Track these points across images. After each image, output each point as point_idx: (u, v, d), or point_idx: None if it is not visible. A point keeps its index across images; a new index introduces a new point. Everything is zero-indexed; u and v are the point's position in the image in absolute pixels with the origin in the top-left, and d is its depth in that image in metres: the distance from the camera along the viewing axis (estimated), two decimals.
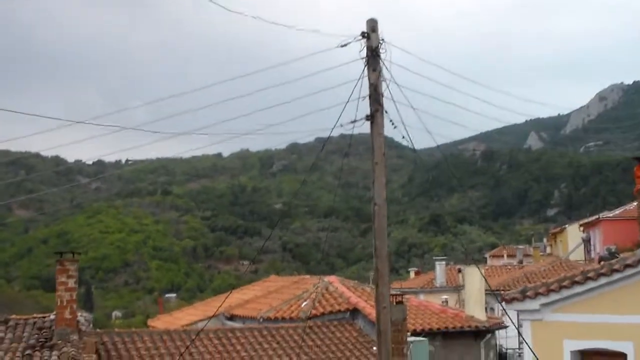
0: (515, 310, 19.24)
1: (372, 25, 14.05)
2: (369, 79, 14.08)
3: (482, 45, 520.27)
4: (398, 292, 21.18)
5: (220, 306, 24.71)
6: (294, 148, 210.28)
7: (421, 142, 15.33)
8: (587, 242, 66.99)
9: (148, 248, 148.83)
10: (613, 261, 19.06)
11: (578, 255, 64.32)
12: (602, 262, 26.39)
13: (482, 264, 57.71)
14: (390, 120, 14.24)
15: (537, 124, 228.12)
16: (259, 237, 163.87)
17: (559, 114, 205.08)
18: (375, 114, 14.15)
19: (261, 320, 24.51)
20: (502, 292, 25.96)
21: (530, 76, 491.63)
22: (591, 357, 18.25)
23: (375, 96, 14.13)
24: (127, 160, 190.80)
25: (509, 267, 54.68)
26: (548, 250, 76.94)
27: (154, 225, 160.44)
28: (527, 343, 17.67)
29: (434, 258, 57.83)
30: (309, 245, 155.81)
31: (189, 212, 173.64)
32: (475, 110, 18.84)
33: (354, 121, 14.27)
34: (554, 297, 18.15)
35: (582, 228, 68.86)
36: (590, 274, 17.90)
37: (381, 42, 14.08)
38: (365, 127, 14.03)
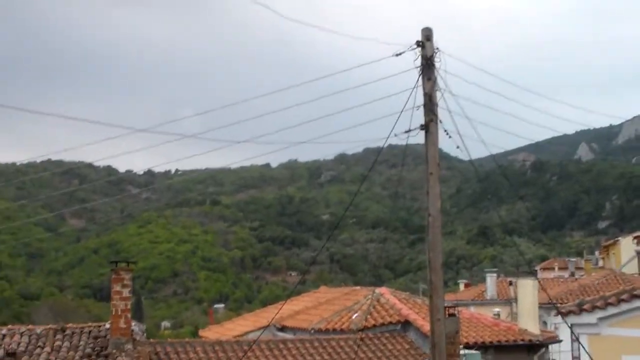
0: (571, 323, 18.87)
1: (427, 34, 13.91)
2: (423, 88, 13.93)
3: (534, 53, 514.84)
4: (451, 305, 20.97)
5: (273, 318, 24.73)
6: (342, 158, 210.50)
7: (471, 152, 15.13)
8: None
9: (197, 258, 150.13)
10: None
11: (632, 268, 62.99)
12: None
13: (532, 277, 56.84)
14: (445, 130, 14.09)
15: (587, 135, 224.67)
16: (307, 248, 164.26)
17: (610, 124, 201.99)
18: (430, 123, 14.01)
19: (312, 331, 24.44)
20: (558, 305, 25.54)
21: (582, 85, 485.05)
22: None
23: (430, 106, 13.99)
24: (176, 171, 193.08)
25: (561, 279, 53.79)
26: (600, 263, 75.58)
27: (203, 236, 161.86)
28: (590, 356, 17.25)
29: (485, 270, 57.26)
30: (356, 257, 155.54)
31: (237, 223, 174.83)
32: (526, 119, 18.61)
33: (408, 131, 14.13)
34: (612, 310, 17.79)
35: (636, 240, 67.52)
36: None
37: (436, 50, 13.94)
38: (413, 138, 13.94)
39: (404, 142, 14.27)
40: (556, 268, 72.92)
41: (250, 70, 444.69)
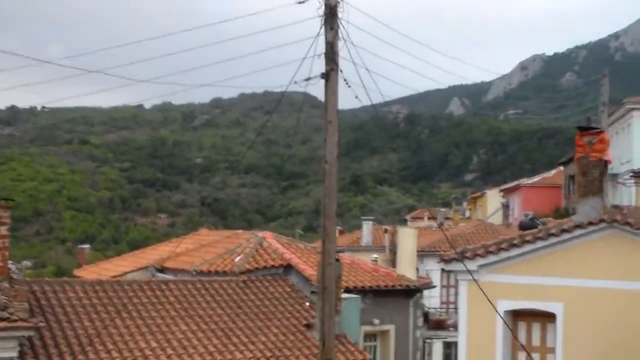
0: (452, 270, 19.49)
1: None
2: (325, 37, 14.04)
3: (410, 9, 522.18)
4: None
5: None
6: (217, 103, 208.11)
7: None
8: (506, 207, 68.92)
9: (62, 198, 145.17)
10: (550, 225, 19.43)
11: (496, 219, 66.06)
12: (522, 227, 27.13)
13: (403, 225, 58.45)
14: (345, 80, 14.30)
15: (459, 90, 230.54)
16: (178, 190, 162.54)
17: (481, 81, 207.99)
18: (330, 72, 14.12)
19: (194, 273, 24.25)
20: (440, 252, 26.39)
21: (455, 42, 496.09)
22: (523, 317, 18.72)
23: (331, 55, 14.06)
24: (43, 107, 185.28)
25: (433, 229, 55.59)
26: (467, 214, 78.68)
27: (70, 175, 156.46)
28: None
29: (362, 218, 58.19)
30: (228, 201, 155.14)
31: (107, 164, 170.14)
32: (402, 72, 18.81)
33: (308, 79, 14.27)
34: (491, 258, 18.43)
35: (501, 193, 70.73)
36: (528, 238, 18.23)
37: (339, 0, 14.02)
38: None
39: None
40: (425, 218, 75.26)
41: (148, 14, 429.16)
